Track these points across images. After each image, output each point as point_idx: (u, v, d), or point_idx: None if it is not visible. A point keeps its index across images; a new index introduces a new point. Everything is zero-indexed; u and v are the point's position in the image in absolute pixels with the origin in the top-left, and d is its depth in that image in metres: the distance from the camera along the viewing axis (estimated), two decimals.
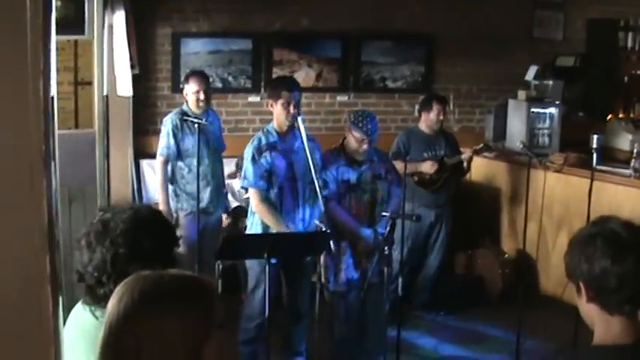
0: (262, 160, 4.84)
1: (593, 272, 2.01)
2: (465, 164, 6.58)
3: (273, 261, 4.59)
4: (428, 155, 6.45)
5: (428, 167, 6.39)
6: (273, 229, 4.83)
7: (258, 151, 4.85)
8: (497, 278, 6.79)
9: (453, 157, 6.55)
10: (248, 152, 4.89)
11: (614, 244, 2.00)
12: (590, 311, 2.07)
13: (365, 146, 4.97)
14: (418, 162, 6.35)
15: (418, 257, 6.63)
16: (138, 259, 2.18)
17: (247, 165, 4.89)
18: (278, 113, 4.88)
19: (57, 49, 4.71)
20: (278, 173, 4.87)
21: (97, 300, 2.22)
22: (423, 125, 6.55)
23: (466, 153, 6.55)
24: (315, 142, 4.99)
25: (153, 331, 1.62)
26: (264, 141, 4.89)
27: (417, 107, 6.98)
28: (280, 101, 4.83)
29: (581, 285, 2.05)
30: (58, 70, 5.04)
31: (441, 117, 6.51)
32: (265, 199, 4.87)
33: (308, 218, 5.00)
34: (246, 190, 5.18)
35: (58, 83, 5.22)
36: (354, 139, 4.99)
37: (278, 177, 4.87)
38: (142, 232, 2.23)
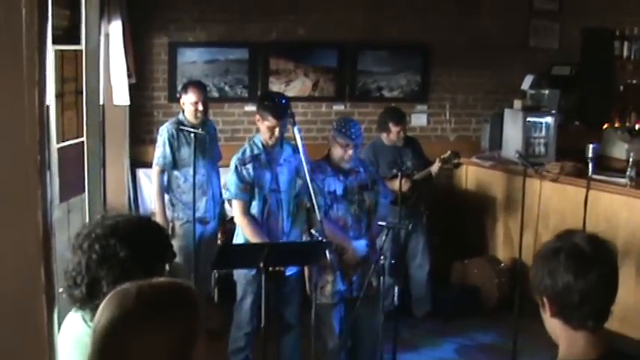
0: (244, 172, 4.86)
1: (556, 287, 1.99)
2: (433, 175, 6.48)
3: (253, 272, 4.60)
4: (397, 170, 6.15)
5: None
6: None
7: (242, 162, 4.87)
8: (494, 287, 6.79)
9: (422, 172, 6.43)
10: (232, 163, 4.92)
11: (578, 260, 1.98)
12: (554, 326, 2.05)
13: (350, 151, 4.94)
14: (388, 180, 6.02)
15: (402, 267, 6.56)
16: (110, 266, 2.20)
17: (230, 176, 4.91)
18: (263, 131, 4.92)
19: (63, 59, 4.71)
20: (262, 185, 4.88)
21: (74, 301, 2.27)
22: (386, 140, 6.47)
23: (434, 165, 6.40)
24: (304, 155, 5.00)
25: (140, 342, 1.64)
26: (248, 152, 4.91)
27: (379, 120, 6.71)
28: (266, 123, 4.85)
29: (545, 300, 2.04)
30: (64, 80, 5.03)
31: (402, 135, 6.43)
32: (247, 211, 4.88)
33: (290, 231, 5.00)
34: (229, 201, 5.16)
35: (63, 94, 5.22)
36: (339, 145, 4.96)
37: (262, 189, 4.88)
38: (117, 241, 2.23)
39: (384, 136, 6.46)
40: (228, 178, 4.95)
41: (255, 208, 4.89)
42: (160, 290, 1.73)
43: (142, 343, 1.64)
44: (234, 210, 4.93)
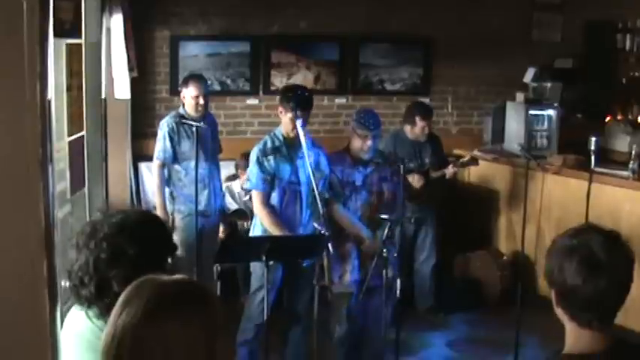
0: (266, 164, 4.89)
1: (565, 286, 2.00)
2: (447, 177, 6.51)
3: (271, 263, 4.60)
4: (415, 164, 6.29)
5: (415, 182, 6.26)
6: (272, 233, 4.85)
7: (263, 153, 4.90)
8: (496, 280, 6.78)
9: (438, 172, 6.45)
10: (253, 154, 4.95)
11: (590, 266, 1.97)
12: (561, 315, 2.07)
13: (369, 142, 4.99)
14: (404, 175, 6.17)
15: (408, 260, 6.58)
16: (120, 264, 2.18)
17: (252, 167, 4.95)
18: (285, 123, 4.92)
19: (71, 52, 4.71)
20: (282, 177, 4.91)
21: (80, 300, 2.25)
22: (409, 133, 6.48)
23: (450, 168, 6.44)
24: (321, 148, 5.03)
25: (180, 329, 1.60)
26: (269, 144, 4.93)
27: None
28: (289, 115, 4.86)
29: (553, 293, 2.05)
30: (72, 74, 5.04)
31: (426, 130, 6.43)
32: (267, 202, 4.91)
33: (308, 223, 5.01)
34: (249, 191, 5.21)
35: (71, 87, 5.22)
36: (358, 136, 5.01)
37: (282, 181, 4.91)
38: (125, 239, 2.21)
39: (407, 128, 6.46)
40: (249, 169, 5.00)
41: (274, 199, 4.93)
42: (181, 284, 1.71)
43: (177, 335, 1.61)
44: (254, 201, 4.98)
